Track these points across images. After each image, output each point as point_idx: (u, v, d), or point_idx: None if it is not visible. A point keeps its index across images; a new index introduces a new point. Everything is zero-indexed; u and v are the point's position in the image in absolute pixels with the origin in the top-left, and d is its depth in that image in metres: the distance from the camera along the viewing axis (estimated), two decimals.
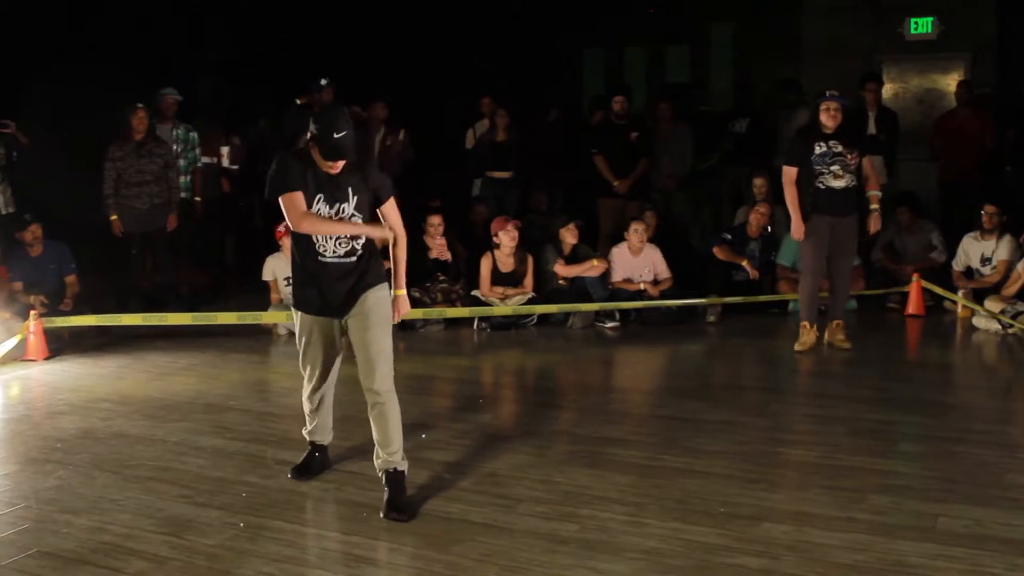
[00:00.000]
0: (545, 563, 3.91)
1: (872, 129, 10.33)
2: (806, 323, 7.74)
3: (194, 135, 10.21)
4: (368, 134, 10.59)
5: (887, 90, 12.28)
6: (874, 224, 7.77)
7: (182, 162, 9.92)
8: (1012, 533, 4.14)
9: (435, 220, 9.17)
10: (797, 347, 7.70)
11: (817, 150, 7.49)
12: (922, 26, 12.34)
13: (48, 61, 11.08)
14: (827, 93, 7.55)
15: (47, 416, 6.13)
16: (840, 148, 7.47)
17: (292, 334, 8.48)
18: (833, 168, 7.46)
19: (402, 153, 10.89)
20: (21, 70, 10.82)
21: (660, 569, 3.86)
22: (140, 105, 9.27)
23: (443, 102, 12.36)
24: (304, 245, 4.54)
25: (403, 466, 4.58)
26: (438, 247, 9.12)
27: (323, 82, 10.42)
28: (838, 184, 7.48)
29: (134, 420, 5.99)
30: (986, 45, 12.19)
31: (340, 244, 4.50)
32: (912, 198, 9.99)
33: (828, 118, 7.46)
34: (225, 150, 10.84)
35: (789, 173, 7.60)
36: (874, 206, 7.72)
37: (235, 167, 11.16)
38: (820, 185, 7.50)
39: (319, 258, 4.51)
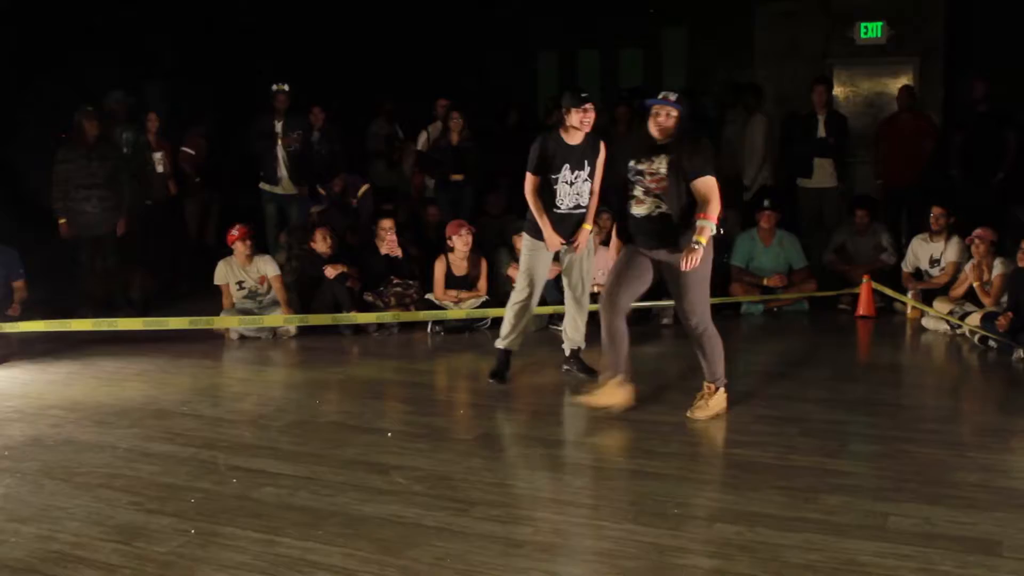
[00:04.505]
0: (500, 566, 3.91)
1: (822, 132, 10.43)
2: (618, 378, 6.10)
3: (143, 138, 10.13)
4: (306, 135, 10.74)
5: (838, 93, 12.43)
6: (685, 258, 5.60)
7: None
8: (961, 531, 4.19)
9: (386, 224, 9.15)
10: (585, 399, 6.18)
11: (631, 163, 5.95)
12: (872, 30, 12.52)
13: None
14: (660, 96, 5.85)
15: None
16: (643, 166, 5.86)
17: (244, 338, 8.44)
18: (635, 190, 5.92)
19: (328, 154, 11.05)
20: None
21: (615, 571, 3.87)
22: (91, 108, 9.17)
23: (398, 104, 12.33)
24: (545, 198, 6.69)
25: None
26: (388, 243, 9.08)
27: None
28: (638, 211, 5.90)
29: (84, 427, 5.91)
30: (934, 49, 12.38)
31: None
32: (870, 201, 10.10)
33: (655, 126, 5.82)
34: (159, 156, 10.61)
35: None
36: (696, 239, 5.59)
37: (192, 152, 11.05)
38: (627, 208, 6.01)
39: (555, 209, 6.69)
